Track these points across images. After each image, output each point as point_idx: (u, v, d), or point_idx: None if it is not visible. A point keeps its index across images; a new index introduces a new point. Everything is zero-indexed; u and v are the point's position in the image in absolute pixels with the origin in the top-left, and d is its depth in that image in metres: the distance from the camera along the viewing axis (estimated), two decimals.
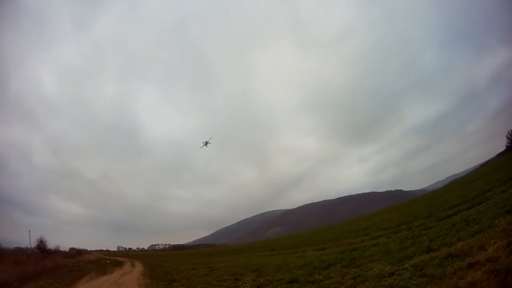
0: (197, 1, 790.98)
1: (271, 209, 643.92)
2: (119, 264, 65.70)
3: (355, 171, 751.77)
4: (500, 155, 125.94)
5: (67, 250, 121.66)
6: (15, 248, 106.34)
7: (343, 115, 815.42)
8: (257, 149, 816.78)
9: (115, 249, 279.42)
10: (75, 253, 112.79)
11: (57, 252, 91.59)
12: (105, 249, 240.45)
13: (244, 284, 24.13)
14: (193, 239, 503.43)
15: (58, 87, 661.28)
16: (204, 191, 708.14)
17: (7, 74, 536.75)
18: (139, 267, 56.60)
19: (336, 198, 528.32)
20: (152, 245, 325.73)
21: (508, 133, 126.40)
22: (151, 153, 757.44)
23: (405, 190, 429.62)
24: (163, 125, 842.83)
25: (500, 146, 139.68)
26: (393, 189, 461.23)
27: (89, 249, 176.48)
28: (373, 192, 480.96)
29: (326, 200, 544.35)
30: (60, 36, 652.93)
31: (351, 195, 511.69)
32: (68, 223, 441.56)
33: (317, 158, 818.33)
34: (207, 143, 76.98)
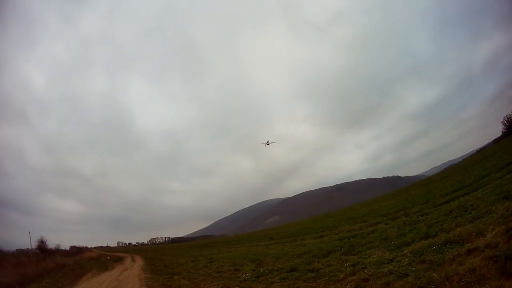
0: None
1: (269, 198, 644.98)
2: (119, 260, 65.73)
3: (352, 158, 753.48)
4: (496, 140, 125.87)
5: (68, 248, 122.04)
6: (16, 250, 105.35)
7: (338, 102, 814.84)
8: (252, 138, 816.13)
9: (115, 244, 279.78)
10: (76, 251, 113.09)
11: (57, 252, 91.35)
12: (105, 246, 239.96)
13: (244, 275, 24.18)
14: (192, 231, 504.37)
15: (47, 84, 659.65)
16: (201, 183, 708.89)
17: None
18: (139, 262, 56.66)
19: (334, 185, 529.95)
20: (151, 239, 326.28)
21: (504, 119, 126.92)
22: (145, 146, 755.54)
23: (402, 176, 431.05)
24: (156, 118, 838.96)
25: (496, 131, 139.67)
26: (390, 176, 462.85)
27: (89, 247, 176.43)
28: (370, 178, 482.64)
29: (323, 188, 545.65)
30: (46, 33, 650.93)
31: (348, 182, 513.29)
32: (67, 222, 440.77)
33: (313, 146, 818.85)
34: (268, 143, 75.06)
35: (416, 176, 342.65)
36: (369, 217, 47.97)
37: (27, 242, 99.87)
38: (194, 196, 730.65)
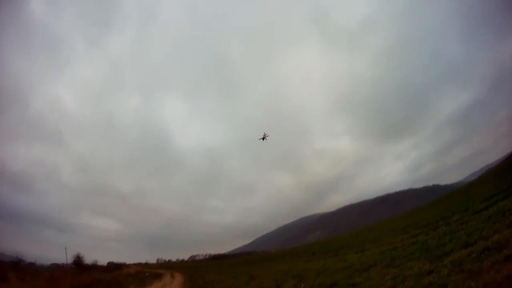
0: (210, 4, 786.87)
1: (311, 213, 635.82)
2: (158, 276, 65.71)
3: (392, 169, 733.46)
4: None
5: (105, 264, 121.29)
6: (51, 264, 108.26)
7: (375, 113, 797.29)
8: (291, 153, 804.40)
9: (154, 261, 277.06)
10: (113, 267, 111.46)
11: (94, 267, 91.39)
12: (144, 262, 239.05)
13: None
14: (234, 248, 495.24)
15: (79, 105, 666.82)
16: (242, 200, 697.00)
17: (25, 96, 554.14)
18: (178, 278, 56.60)
19: (374, 198, 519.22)
20: (192, 256, 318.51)
21: None
22: (184, 165, 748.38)
23: (442, 184, 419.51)
24: (194, 136, 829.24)
25: None
26: (430, 185, 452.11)
27: (127, 263, 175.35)
28: (411, 189, 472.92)
29: (364, 200, 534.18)
30: (75, 56, 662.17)
31: (389, 194, 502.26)
32: (105, 239, 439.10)
33: (352, 159, 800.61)
34: (264, 138, 72.37)
35: (456, 183, 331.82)
36: (410, 228, 47.17)
37: (63, 257, 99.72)
38: (235, 213, 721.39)
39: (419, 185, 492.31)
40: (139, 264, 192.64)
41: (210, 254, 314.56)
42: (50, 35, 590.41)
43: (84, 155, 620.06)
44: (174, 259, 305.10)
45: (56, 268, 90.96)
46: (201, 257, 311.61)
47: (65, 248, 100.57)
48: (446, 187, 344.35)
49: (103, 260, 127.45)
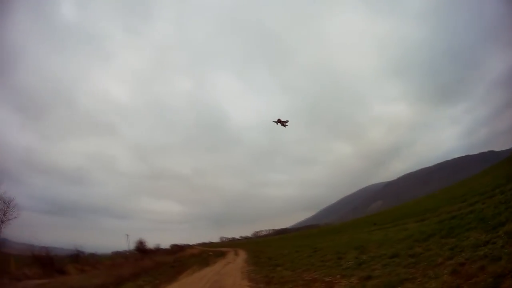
0: None
1: (372, 183, 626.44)
2: (222, 255, 67.86)
3: (449, 133, 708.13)
4: None
5: (169, 247, 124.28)
6: (112, 253, 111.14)
7: (428, 76, 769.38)
8: (347, 122, 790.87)
9: (218, 240, 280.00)
10: (177, 249, 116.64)
11: (157, 251, 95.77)
12: (207, 242, 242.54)
13: (347, 262, 25.01)
14: (297, 222, 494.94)
15: (130, 95, 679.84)
16: (302, 172, 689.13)
17: (73, 93, 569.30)
18: (242, 255, 58.16)
19: (434, 165, 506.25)
20: (255, 232, 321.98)
21: None
22: (242, 140, 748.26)
23: (497, 150, 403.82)
24: (249, 111, 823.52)
25: None
26: (486, 150, 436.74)
27: (191, 244, 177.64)
28: (468, 155, 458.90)
29: (424, 168, 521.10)
30: (117, 48, 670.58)
31: (447, 160, 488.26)
32: (167, 222, 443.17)
33: (410, 124, 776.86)
34: (282, 123, 67.30)
35: (510, 149, 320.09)
36: (468, 196, 46.70)
37: (126, 245, 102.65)
38: (297, 186, 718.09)
39: (475, 151, 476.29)
40: (203, 244, 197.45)
41: (273, 229, 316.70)
42: (87, 32, 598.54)
43: (140, 142, 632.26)
44: (237, 236, 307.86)
45: (117, 256, 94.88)
46: (264, 233, 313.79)
47: (127, 235, 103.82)
48: (500, 153, 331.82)
49: (166, 243, 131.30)
